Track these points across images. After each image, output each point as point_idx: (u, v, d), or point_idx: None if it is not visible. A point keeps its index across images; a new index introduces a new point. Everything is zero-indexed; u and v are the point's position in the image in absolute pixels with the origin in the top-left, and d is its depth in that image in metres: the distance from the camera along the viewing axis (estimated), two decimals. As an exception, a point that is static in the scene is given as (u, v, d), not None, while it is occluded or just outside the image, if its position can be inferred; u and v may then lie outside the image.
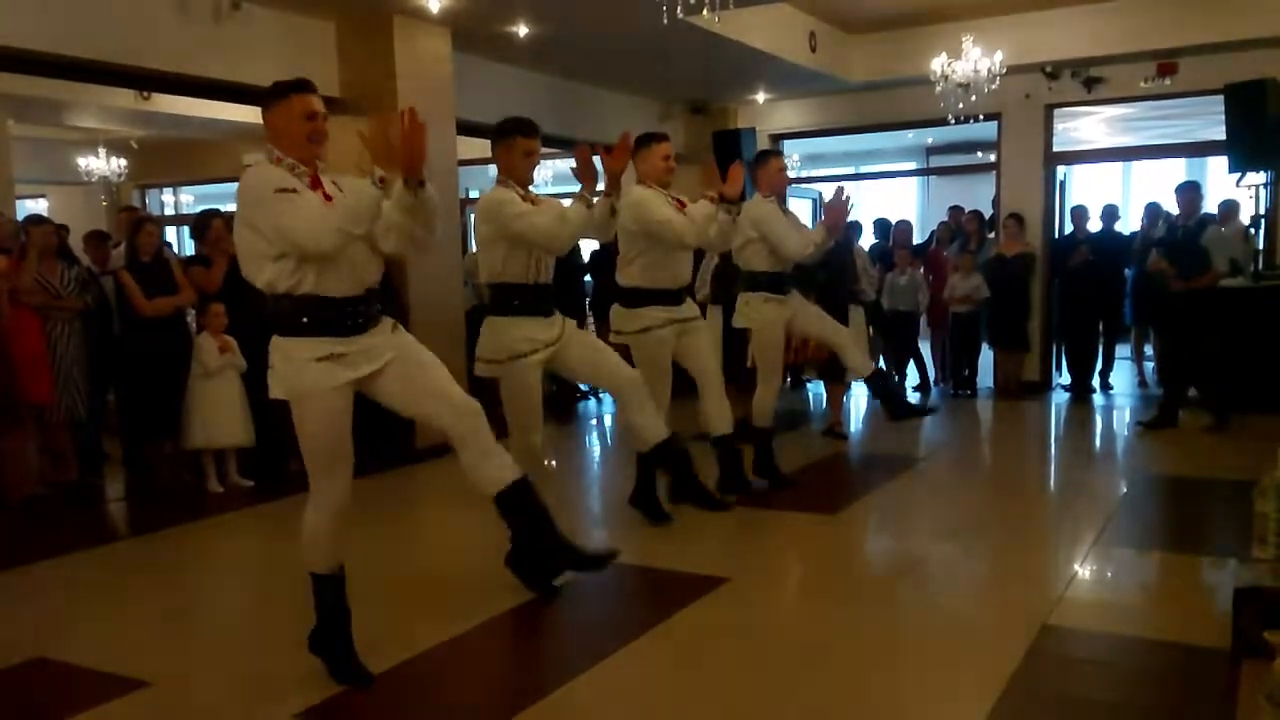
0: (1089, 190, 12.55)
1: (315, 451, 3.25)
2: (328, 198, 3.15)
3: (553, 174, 12.26)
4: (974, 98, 8.49)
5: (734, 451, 5.42)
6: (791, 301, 5.70)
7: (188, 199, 14.93)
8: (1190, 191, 7.74)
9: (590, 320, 10.07)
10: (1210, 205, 8.97)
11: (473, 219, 4.32)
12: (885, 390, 5.90)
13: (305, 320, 3.14)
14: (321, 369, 3.14)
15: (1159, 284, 7.74)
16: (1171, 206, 9.78)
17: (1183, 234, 7.54)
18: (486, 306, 4.31)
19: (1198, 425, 7.39)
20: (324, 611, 3.38)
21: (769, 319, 5.62)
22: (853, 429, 8.05)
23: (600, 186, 4.11)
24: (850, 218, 7.30)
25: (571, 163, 4.08)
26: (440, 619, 3.90)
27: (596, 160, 4.09)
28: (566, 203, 4.15)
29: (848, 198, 5.50)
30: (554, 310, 4.27)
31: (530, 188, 4.19)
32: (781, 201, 5.80)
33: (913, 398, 9.47)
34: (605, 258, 9.15)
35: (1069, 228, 9.57)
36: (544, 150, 4.52)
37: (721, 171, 5.04)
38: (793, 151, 13.00)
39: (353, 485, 3.30)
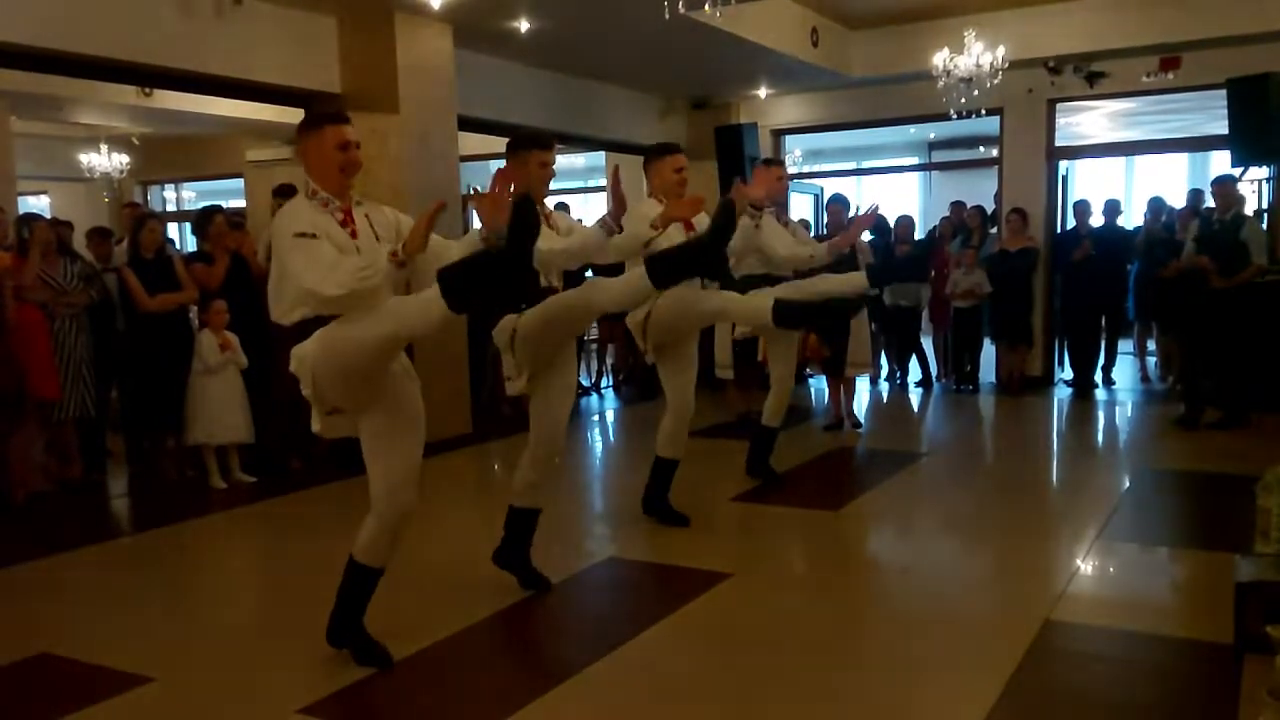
0: (1091, 185, 12.55)
1: (360, 327, 3.07)
2: (354, 234, 3.20)
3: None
4: (976, 93, 8.47)
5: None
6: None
7: (190, 195, 14.94)
8: (1227, 185, 7.58)
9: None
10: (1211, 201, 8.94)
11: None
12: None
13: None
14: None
15: (1196, 281, 7.46)
16: (1175, 201, 9.83)
17: (1219, 228, 7.37)
18: None
19: (1204, 421, 7.39)
20: (475, 271, 3.00)
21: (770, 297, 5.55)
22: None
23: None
24: (850, 214, 7.34)
25: (581, 157, 4.05)
26: (443, 614, 3.90)
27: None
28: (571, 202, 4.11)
29: (875, 207, 5.48)
30: None
31: (546, 200, 4.13)
32: (783, 209, 5.80)
33: (915, 394, 9.50)
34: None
35: (1071, 223, 9.56)
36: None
37: (724, 171, 4.98)
38: (795, 147, 12.99)
39: None
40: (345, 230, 3.20)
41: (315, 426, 3.29)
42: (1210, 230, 7.39)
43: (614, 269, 4.89)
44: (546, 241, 3.90)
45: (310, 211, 3.18)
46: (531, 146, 4.00)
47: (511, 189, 3.23)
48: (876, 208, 5.52)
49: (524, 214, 2.98)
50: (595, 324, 10.14)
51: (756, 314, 4.80)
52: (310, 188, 3.24)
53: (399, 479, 3.29)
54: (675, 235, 4.50)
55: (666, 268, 3.79)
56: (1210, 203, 8.98)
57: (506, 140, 4.12)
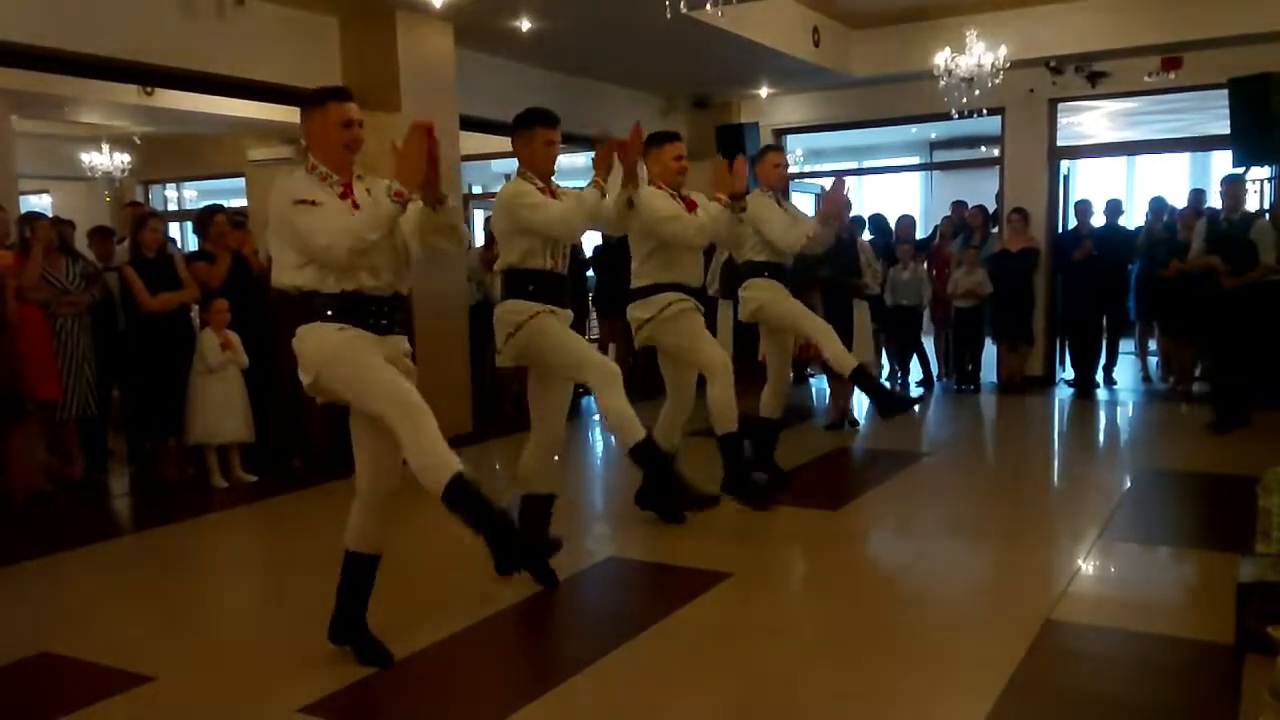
0: (1093, 185, 12.53)
1: (359, 384, 3.18)
2: (355, 206, 3.21)
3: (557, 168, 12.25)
4: (977, 92, 8.46)
5: (738, 448, 5.21)
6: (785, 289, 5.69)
7: (191, 194, 14.93)
8: (1236, 184, 7.52)
9: (593, 316, 10.09)
10: (1215, 200, 8.93)
11: (491, 212, 4.28)
12: (873, 386, 5.70)
13: (330, 313, 3.20)
14: (343, 334, 3.19)
15: (1204, 281, 7.38)
16: (1176, 201, 9.82)
17: (1228, 227, 7.31)
18: (497, 297, 4.27)
19: (1203, 420, 7.39)
20: (483, 523, 3.14)
21: (774, 295, 5.58)
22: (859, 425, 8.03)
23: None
24: (851, 211, 7.32)
25: (582, 156, 4.07)
26: (443, 614, 3.90)
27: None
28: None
29: (845, 187, 5.45)
30: (568, 303, 4.21)
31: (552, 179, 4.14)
32: (784, 195, 5.80)
33: (916, 393, 9.49)
34: (609, 254, 9.16)
35: (1073, 222, 9.56)
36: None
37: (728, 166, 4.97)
38: (796, 146, 12.97)
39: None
40: (345, 203, 3.22)
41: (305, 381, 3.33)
42: (1219, 230, 7.35)
43: (621, 242, 4.94)
44: (550, 210, 3.92)
45: (309, 184, 3.21)
46: (536, 124, 4.01)
47: (428, 151, 3.10)
48: (843, 183, 5.47)
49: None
50: (596, 322, 10.18)
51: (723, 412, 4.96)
52: (311, 163, 3.26)
53: (384, 465, 3.33)
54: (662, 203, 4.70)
55: (643, 462, 4.11)
56: (1211, 202, 9.00)
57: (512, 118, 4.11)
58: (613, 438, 4.19)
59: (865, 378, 5.53)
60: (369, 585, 3.49)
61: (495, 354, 4.21)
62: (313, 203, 3.13)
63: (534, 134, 4.00)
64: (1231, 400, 7.28)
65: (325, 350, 3.19)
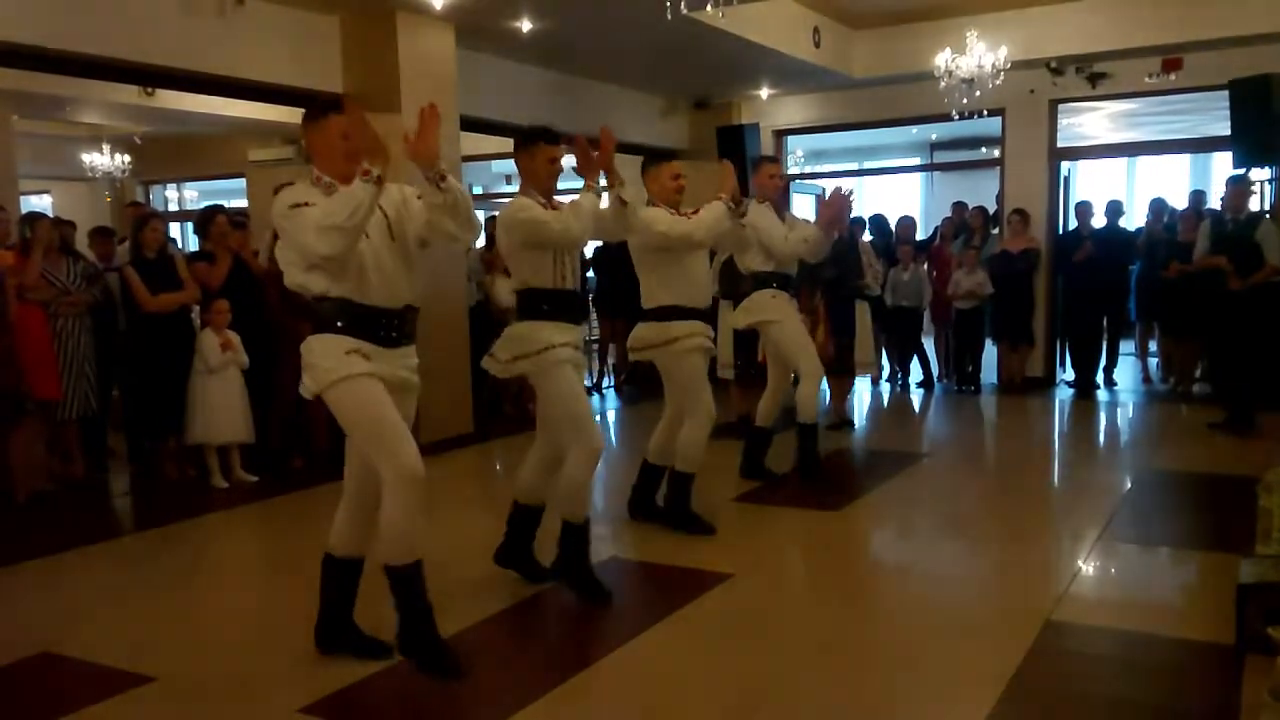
0: (1093, 186, 12.53)
1: (363, 429, 3.28)
2: None
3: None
4: (978, 93, 8.47)
5: (688, 488, 5.07)
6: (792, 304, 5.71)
7: (192, 195, 14.95)
8: (1240, 185, 7.48)
9: (593, 316, 10.10)
10: (1215, 201, 8.94)
11: (494, 214, 4.28)
12: (809, 449, 5.83)
13: (340, 324, 3.25)
14: (351, 358, 3.23)
15: (1213, 282, 7.31)
16: (1176, 202, 9.83)
17: (1234, 229, 7.27)
18: (498, 299, 4.27)
19: (1204, 420, 7.39)
20: (409, 608, 3.36)
21: (785, 311, 5.60)
22: (857, 425, 8.02)
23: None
24: (852, 213, 7.33)
25: (571, 159, 4.07)
26: (442, 615, 3.86)
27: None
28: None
29: (850, 192, 5.46)
30: (581, 319, 4.22)
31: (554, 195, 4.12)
32: (783, 204, 5.80)
33: (916, 394, 9.50)
34: (609, 255, 9.16)
35: (1073, 223, 9.56)
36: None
37: None
38: (797, 147, 12.98)
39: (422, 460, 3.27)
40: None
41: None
42: (1225, 231, 7.32)
43: (620, 244, 4.94)
44: (551, 219, 3.93)
45: (310, 192, 3.24)
46: (539, 141, 3.99)
47: (425, 125, 3.21)
48: (850, 193, 5.50)
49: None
50: (597, 323, 10.19)
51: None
52: (315, 175, 3.29)
53: (373, 471, 3.33)
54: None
55: (568, 541, 4.12)
56: (1211, 204, 9.00)
57: (514, 137, 4.12)
58: (557, 501, 4.18)
59: (809, 437, 5.78)
60: (351, 589, 3.53)
61: (488, 355, 4.19)
62: (306, 204, 3.16)
63: (537, 151, 3.99)
64: (1238, 402, 7.28)
65: (335, 376, 3.22)
